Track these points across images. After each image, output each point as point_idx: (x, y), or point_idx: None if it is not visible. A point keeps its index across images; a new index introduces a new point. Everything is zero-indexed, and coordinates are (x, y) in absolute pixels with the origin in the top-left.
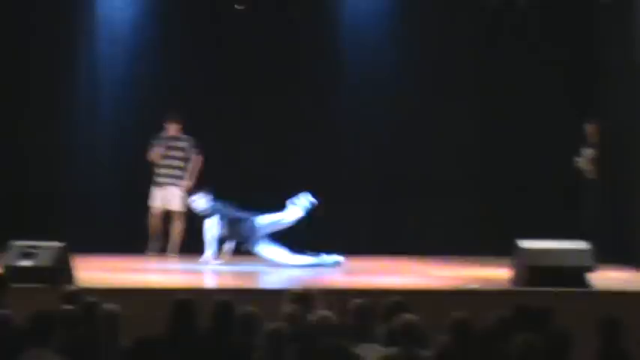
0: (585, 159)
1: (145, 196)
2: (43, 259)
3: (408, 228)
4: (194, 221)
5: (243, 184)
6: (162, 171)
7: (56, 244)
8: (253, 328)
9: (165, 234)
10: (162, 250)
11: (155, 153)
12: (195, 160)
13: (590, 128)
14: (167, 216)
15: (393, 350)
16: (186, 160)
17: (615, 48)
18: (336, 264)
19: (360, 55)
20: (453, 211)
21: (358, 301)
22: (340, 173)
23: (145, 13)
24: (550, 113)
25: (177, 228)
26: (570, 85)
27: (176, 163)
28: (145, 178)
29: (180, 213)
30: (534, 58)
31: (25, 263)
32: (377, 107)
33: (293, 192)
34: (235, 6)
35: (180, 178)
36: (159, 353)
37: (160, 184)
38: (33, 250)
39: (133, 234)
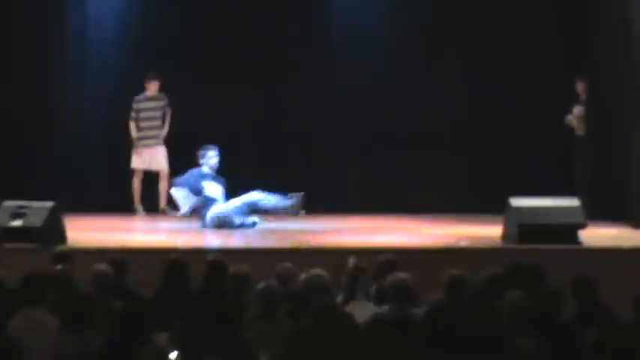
0: (575, 116)
1: (129, 157)
2: (34, 219)
3: (399, 187)
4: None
5: (232, 150)
6: (145, 133)
7: (46, 203)
8: (246, 288)
9: (150, 193)
10: (151, 210)
11: (132, 127)
12: (169, 114)
13: (580, 86)
14: (148, 175)
15: (384, 308)
16: (163, 117)
17: (607, 4)
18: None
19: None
20: (444, 169)
21: (351, 260)
22: (331, 133)
23: None
24: (541, 71)
25: (165, 185)
26: (562, 42)
27: (156, 123)
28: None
29: (166, 171)
30: (526, 15)
31: (16, 223)
32: (367, 66)
33: (283, 155)
34: None
35: (158, 137)
36: (150, 313)
37: (145, 145)
38: (23, 211)
39: (123, 194)
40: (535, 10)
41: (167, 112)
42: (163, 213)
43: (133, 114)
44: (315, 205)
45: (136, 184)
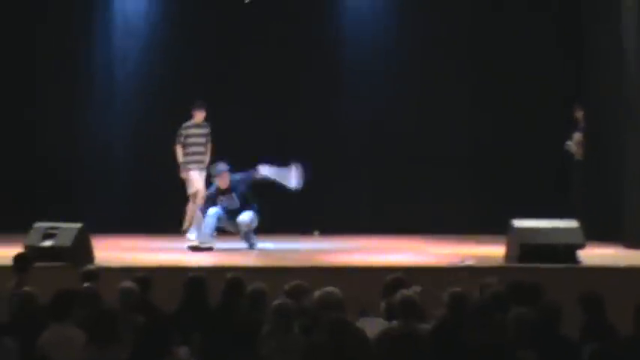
0: (575, 142)
1: (154, 179)
2: (63, 240)
3: (407, 208)
4: None
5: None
6: (190, 158)
7: (75, 225)
8: (262, 304)
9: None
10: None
11: (179, 151)
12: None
13: (579, 113)
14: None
15: (393, 324)
16: (206, 144)
17: (603, 34)
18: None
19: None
20: (450, 192)
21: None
22: (340, 154)
23: (156, 9)
24: (543, 98)
25: (194, 208)
26: (562, 70)
27: (201, 149)
28: (155, 162)
29: (201, 194)
30: (529, 41)
31: (47, 243)
32: (375, 88)
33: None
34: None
35: (202, 162)
36: (172, 328)
37: (200, 169)
38: (54, 231)
39: (145, 215)
40: (537, 36)
41: (208, 140)
42: (184, 233)
43: (182, 139)
44: (328, 226)
45: (192, 208)
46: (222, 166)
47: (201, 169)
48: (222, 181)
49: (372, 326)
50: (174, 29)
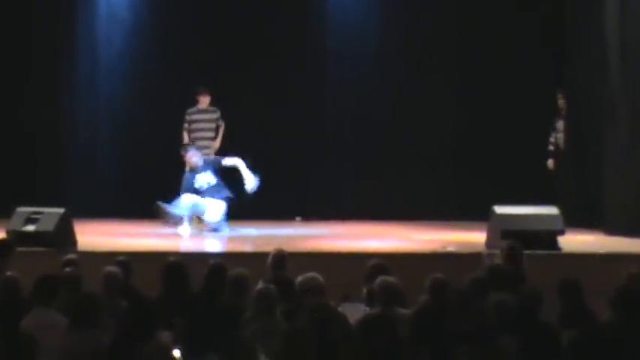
0: (557, 130)
1: (139, 163)
2: (46, 224)
3: (389, 194)
4: None
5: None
6: (197, 144)
7: (58, 210)
8: (244, 289)
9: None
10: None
11: (185, 136)
12: (223, 127)
13: (560, 100)
14: None
15: (374, 309)
16: (216, 129)
17: (584, 24)
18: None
19: (344, 27)
20: (433, 179)
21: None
22: (323, 140)
23: None
24: (526, 86)
25: None
26: (546, 60)
27: (209, 134)
28: (139, 147)
29: None
30: (513, 32)
31: (29, 228)
32: (359, 76)
33: (278, 164)
34: None
35: (208, 147)
36: (154, 313)
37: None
38: (36, 216)
39: (129, 200)
40: (520, 27)
41: (220, 125)
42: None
43: (186, 125)
44: (311, 212)
45: None
46: (188, 147)
47: (207, 154)
48: (188, 162)
49: (354, 311)
50: (157, 13)
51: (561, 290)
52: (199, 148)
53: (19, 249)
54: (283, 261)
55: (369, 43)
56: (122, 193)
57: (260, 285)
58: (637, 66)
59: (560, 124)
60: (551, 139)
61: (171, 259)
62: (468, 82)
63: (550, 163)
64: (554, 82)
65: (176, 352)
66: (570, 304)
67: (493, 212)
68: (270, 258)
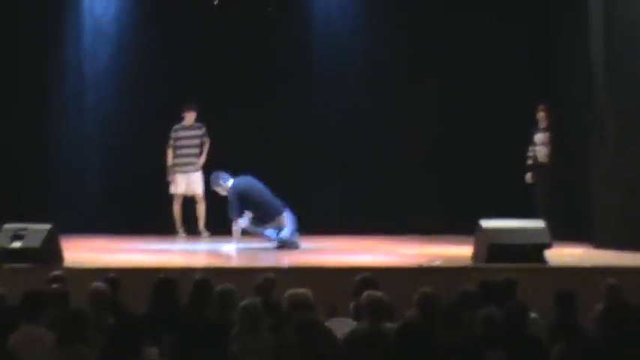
0: (535, 143)
1: (126, 179)
2: (33, 241)
3: (376, 208)
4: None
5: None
6: (182, 160)
7: (45, 226)
8: (231, 304)
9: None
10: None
11: (169, 154)
12: (208, 144)
13: (540, 114)
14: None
15: (361, 324)
16: (201, 145)
17: (569, 37)
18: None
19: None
20: (419, 192)
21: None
22: (310, 155)
23: (127, 8)
24: (511, 100)
25: (202, 208)
26: (531, 73)
27: (193, 150)
28: (127, 163)
29: (202, 195)
30: (498, 44)
31: (16, 245)
32: (345, 90)
33: (265, 177)
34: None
35: (193, 164)
36: (142, 329)
37: (183, 172)
38: (23, 232)
39: (118, 217)
40: (506, 40)
41: (205, 141)
42: (200, 234)
43: (171, 142)
44: (298, 226)
45: (176, 208)
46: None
47: (192, 171)
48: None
49: (341, 326)
50: (143, 29)
51: (558, 301)
52: (182, 165)
53: (6, 265)
54: (272, 286)
55: (355, 57)
56: (109, 209)
57: (245, 301)
58: (622, 77)
59: (538, 138)
60: (529, 154)
61: (162, 275)
62: (454, 96)
63: (528, 176)
64: (539, 95)
65: None
66: (563, 315)
67: (479, 226)
68: (258, 283)
